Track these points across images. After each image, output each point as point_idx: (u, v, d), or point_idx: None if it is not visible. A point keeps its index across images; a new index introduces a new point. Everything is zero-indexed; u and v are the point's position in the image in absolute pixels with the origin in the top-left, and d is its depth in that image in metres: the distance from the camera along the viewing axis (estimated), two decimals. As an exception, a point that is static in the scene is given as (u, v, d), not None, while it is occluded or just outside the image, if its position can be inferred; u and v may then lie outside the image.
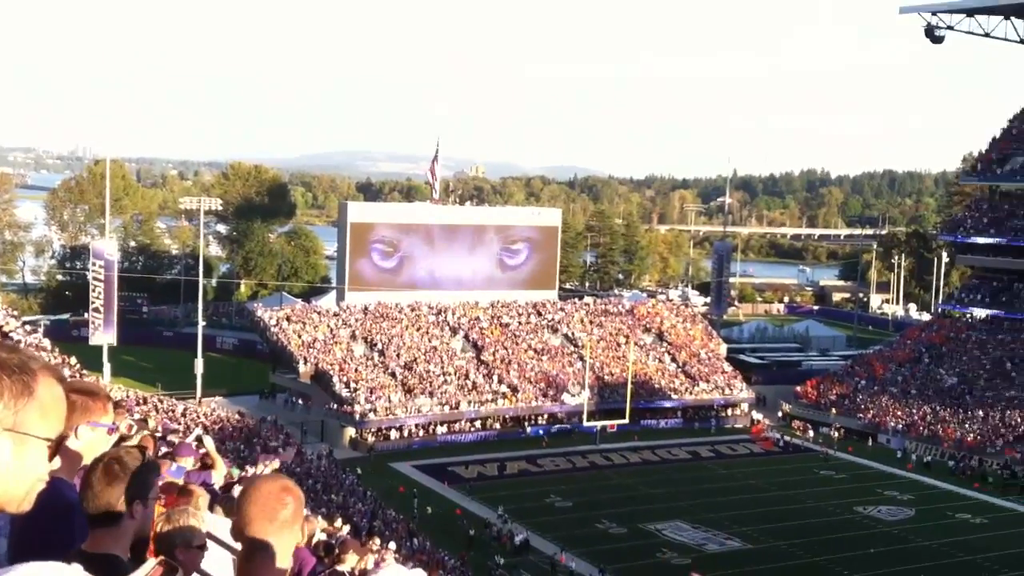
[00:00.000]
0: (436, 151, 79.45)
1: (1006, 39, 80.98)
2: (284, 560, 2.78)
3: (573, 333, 75.43)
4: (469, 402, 65.65)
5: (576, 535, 45.73)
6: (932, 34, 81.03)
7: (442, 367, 68.43)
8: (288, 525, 2.74)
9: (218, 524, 4.79)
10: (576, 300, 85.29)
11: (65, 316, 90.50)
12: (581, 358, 70.80)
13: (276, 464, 14.45)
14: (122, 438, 7.53)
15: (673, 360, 75.06)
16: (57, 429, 2.06)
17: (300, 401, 66.82)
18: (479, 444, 62.90)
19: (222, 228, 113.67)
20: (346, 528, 22.54)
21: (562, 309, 78.68)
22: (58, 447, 2.07)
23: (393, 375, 66.49)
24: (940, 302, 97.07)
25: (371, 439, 61.57)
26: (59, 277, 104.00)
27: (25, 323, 51.13)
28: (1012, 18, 78.41)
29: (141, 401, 48.25)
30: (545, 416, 67.20)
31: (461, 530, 45.49)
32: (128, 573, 2.63)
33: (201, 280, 76.69)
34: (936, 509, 52.66)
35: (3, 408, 1.94)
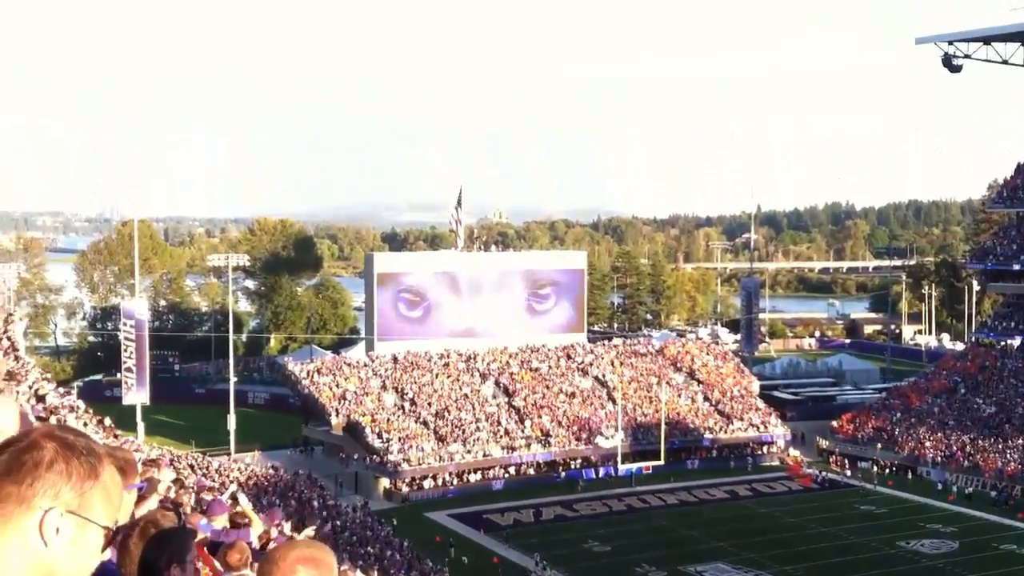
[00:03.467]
0: (459, 198, 79.80)
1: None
2: None
3: (604, 375, 75.11)
4: (502, 448, 65.37)
5: (615, 580, 45.24)
6: (950, 63, 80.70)
7: (474, 414, 68.27)
8: None
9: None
10: (605, 342, 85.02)
11: (98, 377, 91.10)
12: (613, 400, 70.43)
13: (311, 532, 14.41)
14: (161, 497, 7.56)
15: (706, 399, 74.54)
16: (114, 517, 2.01)
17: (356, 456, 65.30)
18: (514, 491, 62.47)
19: (250, 283, 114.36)
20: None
21: (592, 352, 78.44)
22: (113, 538, 2.01)
23: (425, 424, 66.37)
24: (973, 331, 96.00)
25: (405, 489, 61.35)
26: (91, 338, 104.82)
27: (59, 386, 51.48)
28: (1030, 44, 78.13)
29: (176, 459, 48.31)
30: (579, 460, 66.78)
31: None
32: None
33: (231, 336, 77.08)
34: (980, 541, 51.78)
35: (70, 489, 1.91)
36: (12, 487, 1.88)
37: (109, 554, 2.10)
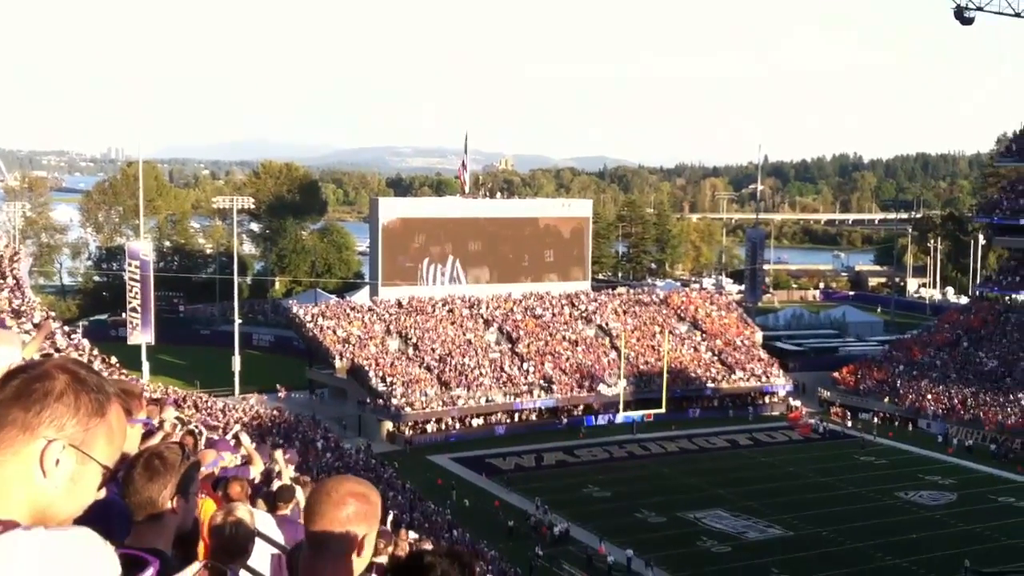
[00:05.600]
0: (465, 145, 79.50)
1: (1039, 17, 79.58)
2: (352, 560, 2.71)
3: (607, 324, 75.25)
4: (504, 394, 65.68)
5: (615, 525, 45.67)
6: (962, 15, 79.51)
7: (477, 360, 68.50)
8: (351, 524, 2.68)
9: (261, 519, 4.78)
10: (609, 291, 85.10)
11: (103, 317, 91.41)
12: (616, 348, 70.62)
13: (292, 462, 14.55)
14: (166, 435, 7.61)
15: (709, 349, 74.71)
16: (114, 458, 2.01)
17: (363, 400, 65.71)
18: (516, 436, 62.88)
19: (255, 226, 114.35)
20: (388, 518, 22.63)
21: (595, 300, 78.51)
22: (110, 479, 2.01)
23: (428, 369, 66.65)
24: (978, 285, 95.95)
25: (408, 432, 61.77)
26: (96, 278, 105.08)
27: (64, 324, 51.63)
28: (1046, -5, 77.07)
29: (180, 399, 48.60)
30: (581, 407, 67.12)
31: (500, 522, 45.57)
32: (171, 567, 2.60)
33: (236, 278, 77.18)
34: (978, 493, 52.12)
35: (75, 423, 1.91)
36: (19, 413, 1.88)
37: (104, 493, 2.10)
